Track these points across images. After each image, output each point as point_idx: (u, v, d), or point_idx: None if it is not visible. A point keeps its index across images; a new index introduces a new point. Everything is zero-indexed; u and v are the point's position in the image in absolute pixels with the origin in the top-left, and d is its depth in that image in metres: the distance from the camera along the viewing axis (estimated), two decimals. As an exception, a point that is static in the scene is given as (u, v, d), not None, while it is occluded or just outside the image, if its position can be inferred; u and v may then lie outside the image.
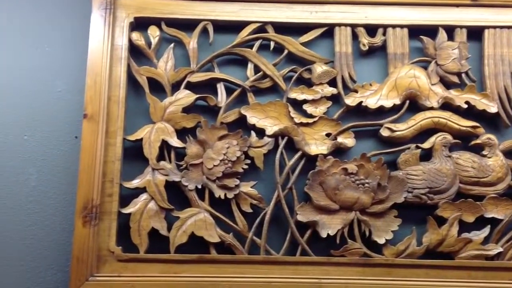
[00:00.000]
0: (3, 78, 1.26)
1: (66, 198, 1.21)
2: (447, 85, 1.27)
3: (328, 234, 1.18)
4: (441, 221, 1.20)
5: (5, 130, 1.24)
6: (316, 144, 1.23)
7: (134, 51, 1.25)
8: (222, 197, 1.19)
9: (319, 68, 1.25)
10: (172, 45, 1.25)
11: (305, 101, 1.25)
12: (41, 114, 1.25)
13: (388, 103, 1.24)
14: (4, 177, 1.22)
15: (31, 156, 1.23)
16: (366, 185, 1.19)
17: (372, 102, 1.24)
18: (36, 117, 1.25)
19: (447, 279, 1.17)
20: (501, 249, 1.19)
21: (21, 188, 1.21)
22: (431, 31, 1.29)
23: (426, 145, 1.23)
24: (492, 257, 1.19)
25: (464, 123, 1.24)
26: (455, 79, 1.26)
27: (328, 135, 1.24)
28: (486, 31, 1.29)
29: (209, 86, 1.26)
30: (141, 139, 1.20)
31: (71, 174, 1.22)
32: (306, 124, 1.24)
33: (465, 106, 1.24)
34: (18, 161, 1.23)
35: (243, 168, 1.20)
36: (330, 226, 1.19)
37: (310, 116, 1.24)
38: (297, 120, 1.23)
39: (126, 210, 1.17)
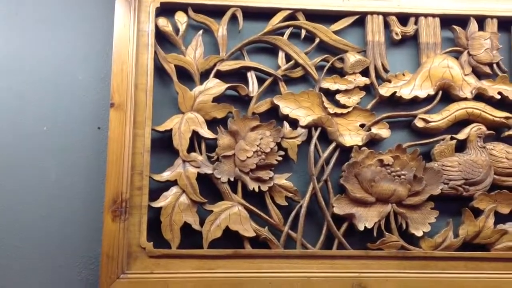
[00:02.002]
0: (23, 66, 1.21)
1: (89, 192, 1.17)
2: (479, 75, 1.27)
3: (365, 227, 1.16)
4: (476, 212, 1.21)
5: (25, 121, 1.18)
6: (350, 135, 1.21)
7: (160, 37, 1.22)
8: (256, 190, 1.16)
9: (352, 57, 1.24)
10: (200, 31, 1.22)
11: (337, 91, 1.23)
12: (61, 103, 1.20)
13: (422, 94, 1.24)
14: (23, 171, 1.16)
15: (51, 149, 1.18)
16: (402, 176, 1.19)
17: (406, 92, 1.24)
18: (57, 107, 1.20)
19: (485, 271, 1.17)
20: (537, 241, 1.19)
21: (41, 182, 1.16)
22: (462, 21, 1.29)
23: (461, 136, 1.23)
24: (528, 248, 1.20)
25: (498, 114, 1.25)
26: (487, 69, 1.27)
27: (362, 125, 1.22)
28: (516, 21, 1.30)
29: (238, 75, 1.23)
30: (170, 130, 1.17)
31: (95, 167, 1.18)
32: (340, 115, 1.22)
33: (498, 96, 1.25)
34: (37, 154, 1.17)
35: (276, 160, 1.18)
36: (366, 218, 1.17)
37: (343, 106, 1.23)
38: (331, 111, 1.22)
39: (156, 204, 1.13)
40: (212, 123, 1.19)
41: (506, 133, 1.25)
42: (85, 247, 1.15)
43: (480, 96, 1.26)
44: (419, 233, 1.18)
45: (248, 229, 1.14)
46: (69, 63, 1.23)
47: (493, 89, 1.26)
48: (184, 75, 1.21)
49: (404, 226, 1.18)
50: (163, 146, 1.18)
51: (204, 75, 1.21)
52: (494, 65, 1.28)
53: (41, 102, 1.20)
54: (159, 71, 1.21)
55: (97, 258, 1.13)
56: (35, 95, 1.20)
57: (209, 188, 1.17)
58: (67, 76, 1.22)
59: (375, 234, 1.17)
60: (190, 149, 1.17)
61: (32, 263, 1.13)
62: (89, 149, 1.19)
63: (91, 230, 1.15)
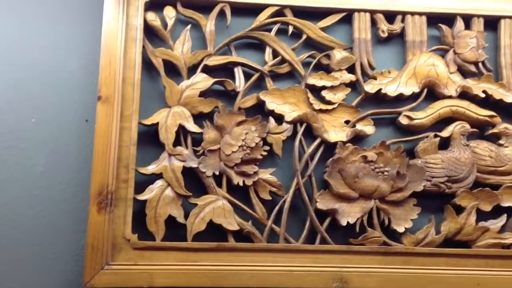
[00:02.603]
0: (12, 55, 1.22)
1: (76, 184, 1.19)
2: (464, 74, 1.29)
3: (347, 222, 1.19)
4: (459, 210, 1.23)
5: (13, 112, 1.20)
6: (335, 131, 1.23)
7: (149, 32, 1.23)
8: (241, 184, 1.18)
9: (338, 54, 1.26)
10: (189, 26, 1.24)
11: (323, 88, 1.25)
12: (50, 95, 1.22)
13: (407, 91, 1.26)
14: (11, 161, 1.18)
15: (39, 140, 1.20)
16: (386, 173, 1.21)
17: (391, 90, 1.26)
18: (45, 98, 1.22)
19: (466, 267, 1.19)
20: (517, 238, 1.22)
21: (28, 173, 1.18)
22: (448, 19, 1.31)
23: (445, 133, 1.25)
24: (509, 245, 1.22)
25: (482, 112, 1.27)
26: (472, 68, 1.29)
27: (347, 122, 1.24)
28: (502, 21, 1.32)
29: (225, 70, 1.25)
30: (157, 124, 1.19)
31: (82, 159, 1.20)
32: (325, 111, 1.24)
33: (483, 95, 1.27)
34: (25, 145, 1.19)
35: (261, 155, 1.20)
36: (349, 214, 1.20)
37: (329, 102, 1.25)
38: (316, 107, 1.23)
39: (141, 197, 1.15)
40: (199, 118, 1.21)
41: (490, 131, 1.27)
42: (71, 237, 1.17)
43: (464, 95, 1.28)
44: (401, 229, 1.20)
45: (232, 222, 1.16)
46: (58, 56, 1.24)
47: (477, 87, 1.28)
48: (172, 69, 1.23)
49: (386, 222, 1.21)
50: (149, 139, 1.20)
51: (192, 70, 1.23)
52: (480, 64, 1.30)
53: (29, 94, 1.22)
54: (147, 65, 1.23)
55: (83, 249, 1.15)
56: (23, 86, 1.22)
57: (194, 182, 1.19)
58: (55, 68, 1.23)
59: (357, 229, 1.19)
60: (176, 143, 1.19)
61: (19, 253, 1.15)
62: (76, 142, 1.21)
63: (77, 221, 1.17)
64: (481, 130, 1.27)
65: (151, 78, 1.23)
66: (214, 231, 1.17)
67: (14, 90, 1.22)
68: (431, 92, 1.28)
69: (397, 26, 1.29)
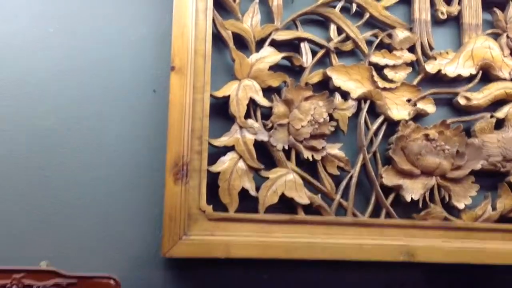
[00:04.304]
0: (78, 23, 1.22)
1: (148, 155, 1.19)
2: (515, 58, 1.37)
3: (411, 198, 1.24)
4: (512, 187, 1.31)
5: (81, 82, 1.20)
6: (397, 109, 1.29)
7: (216, 3, 1.24)
8: (310, 158, 1.22)
9: (400, 34, 1.31)
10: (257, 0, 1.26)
11: (385, 66, 1.30)
12: (117, 64, 1.22)
13: (465, 72, 1.33)
14: (78, 130, 1.18)
15: (107, 109, 1.20)
16: (446, 151, 1.27)
17: (450, 70, 1.32)
18: (113, 67, 1.22)
19: (520, 243, 1.27)
20: None
21: (97, 142, 1.18)
22: (500, 4, 1.38)
23: (500, 114, 1.33)
24: (558, 221, 1.31)
25: (533, 95, 1.35)
26: (523, 52, 1.37)
27: (408, 100, 1.30)
28: (550, 7, 1.40)
29: (289, 46, 1.28)
30: (227, 96, 1.21)
31: (152, 129, 1.20)
32: (388, 89, 1.29)
33: (534, 78, 1.35)
34: (94, 114, 1.19)
35: (329, 130, 1.24)
36: (412, 190, 1.25)
37: (391, 81, 1.30)
38: (380, 85, 1.28)
39: (215, 169, 1.17)
40: (266, 91, 1.24)
41: (541, 114, 1.35)
42: (143, 208, 1.18)
43: (516, 78, 1.35)
44: (461, 206, 1.27)
45: (302, 196, 1.20)
46: (125, 25, 1.24)
47: (529, 71, 1.36)
48: (238, 42, 1.25)
49: (447, 198, 1.27)
50: (217, 112, 1.21)
51: (259, 44, 1.25)
52: (529, 49, 1.38)
53: (97, 62, 1.21)
54: (214, 37, 1.24)
55: (157, 219, 1.17)
56: (91, 55, 1.21)
57: (262, 155, 1.21)
58: (123, 36, 1.23)
59: (420, 205, 1.25)
60: (245, 116, 1.21)
61: (89, 223, 1.15)
62: (145, 112, 1.21)
63: (148, 191, 1.18)
64: (532, 112, 1.35)
65: (218, 50, 1.25)
66: (283, 204, 1.20)
67: (81, 59, 1.21)
68: (485, 74, 1.35)
69: (454, 8, 1.36)
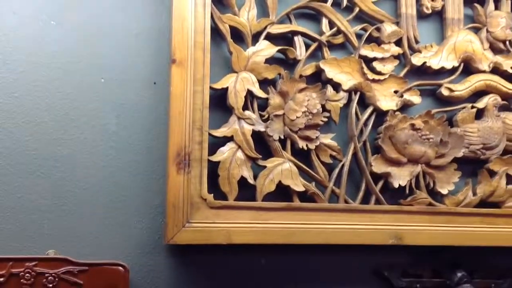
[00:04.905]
0: (79, 16, 1.24)
1: (147, 146, 1.23)
2: (494, 51, 1.45)
3: (399, 184, 1.32)
4: (491, 174, 1.40)
5: (82, 72, 1.23)
6: (385, 100, 1.36)
7: (214, -2, 1.29)
8: (305, 148, 1.28)
9: (388, 28, 1.38)
10: (254, -6, 1.31)
11: (374, 59, 1.37)
12: (118, 56, 1.25)
13: (448, 64, 1.41)
14: (81, 121, 1.21)
15: (108, 101, 1.23)
16: (431, 140, 1.35)
17: (435, 63, 1.40)
18: (113, 60, 1.25)
19: (498, 225, 1.36)
20: (540, 199, 1.41)
21: (99, 133, 1.21)
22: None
23: (481, 105, 1.41)
24: (533, 206, 1.41)
25: (510, 86, 1.44)
26: (502, 46, 1.45)
27: (395, 92, 1.37)
28: (527, 3, 1.49)
29: (283, 39, 1.34)
30: (226, 88, 1.26)
31: (152, 120, 1.25)
32: (377, 81, 1.36)
33: (511, 71, 1.44)
34: (96, 105, 1.22)
35: (322, 121, 1.30)
36: (400, 177, 1.33)
37: (379, 73, 1.37)
38: (369, 77, 1.35)
39: (215, 158, 1.23)
40: (262, 83, 1.29)
41: (517, 104, 1.45)
42: (144, 197, 1.22)
43: (495, 70, 1.44)
44: (444, 191, 1.36)
45: (298, 184, 1.26)
46: (126, 18, 1.27)
47: (506, 63, 1.45)
48: (235, 35, 1.29)
49: (431, 184, 1.35)
50: (215, 103, 1.26)
51: (254, 37, 1.30)
52: (507, 42, 1.46)
53: (98, 55, 1.24)
54: (212, 31, 1.28)
55: (157, 208, 1.21)
56: (92, 47, 1.24)
57: (259, 145, 1.27)
58: (123, 31, 1.26)
59: (407, 191, 1.33)
60: (243, 107, 1.27)
61: (94, 212, 1.19)
62: (145, 103, 1.25)
63: (149, 181, 1.23)
64: (509, 103, 1.44)
65: (216, 43, 1.29)
66: (279, 192, 1.26)
67: (83, 50, 1.23)
68: (466, 67, 1.43)
69: (438, 3, 1.43)
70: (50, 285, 1.07)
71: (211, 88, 1.25)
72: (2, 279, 1.05)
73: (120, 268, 1.11)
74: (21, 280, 1.06)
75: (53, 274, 1.07)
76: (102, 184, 1.21)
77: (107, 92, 1.24)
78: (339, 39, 1.36)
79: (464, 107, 1.41)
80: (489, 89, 1.43)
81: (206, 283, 1.24)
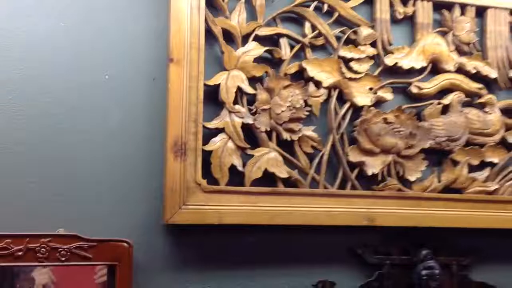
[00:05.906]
0: (83, 15, 1.37)
1: (147, 135, 1.37)
2: (459, 52, 1.62)
3: (372, 172, 1.49)
4: (454, 163, 1.57)
5: (87, 69, 1.36)
6: (361, 96, 1.51)
7: (208, 2, 1.42)
8: (289, 139, 1.43)
9: (365, 31, 1.53)
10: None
11: (351, 59, 1.52)
12: (119, 54, 1.38)
13: (417, 65, 1.57)
14: (88, 113, 1.34)
15: (111, 96, 1.37)
16: (401, 132, 1.52)
17: (405, 63, 1.56)
18: (115, 58, 1.38)
19: (458, 209, 1.53)
20: (497, 186, 1.58)
21: (105, 124, 1.35)
22: (448, 6, 1.62)
23: (446, 101, 1.58)
24: (491, 192, 1.58)
25: (473, 85, 1.61)
26: (466, 48, 1.62)
27: (370, 89, 1.53)
28: (489, 10, 1.65)
29: (269, 40, 1.48)
30: (218, 85, 1.40)
31: (151, 114, 1.38)
32: (354, 79, 1.52)
33: (474, 71, 1.61)
34: (101, 99, 1.36)
35: (304, 114, 1.45)
36: (373, 166, 1.49)
37: (356, 72, 1.52)
38: (347, 75, 1.51)
39: (208, 148, 1.37)
40: (251, 81, 1.43)
41: (478, 101, 1.61)
42: (145, 182, 1.36)
43: (460, 70, 1.61)
44: (412, 178, 1.52)
45: (282, 171, 1.42)
46: (128, 21, 1.40)
47: (470, 64, 1.61)
48: (226, 37, 1.44)
49: (401, 172, 1.52)
50: (208, 98, 1.40)
51: (244, 39, 1.45)
52: (471, 45, 1.63)
53: (103, 54, 1.38)
54: (206, 33, 1.41)
55: (154, 192, 1.36)
56: (98, 47, 1.38)
57: (247, 136, 1.42)
58: (127, 33, 1.40)
59: (379, 178, 1.49)
60: (233, 102, 1.41)
61: (98, 195, 1.33)
62: (145, 98, 1.39)
63: (149, 167, 1.37)
64: (472, 99, 1.61)
65: (209, 44, 1.43)
66: (265, 178, 1.41)
67: (87, 48, 1.37)
68: (434, 67, 1.59)
69: (410, 10, 1.59)
70: (63, 259, 1.21)
71: (205, 84, 1.39)
72: (20, 253, 1.18)
73: (125, 244, 1.25)
74: (37, 254, 1.19)
75: (65, 249, 1.21)
76: (107, 171, 1.35)
77: (112, 87, 1.37)
78: (320, 41, 1.51)
79: (431, 103, 1.57)
80: (454, 87, 1.59)
81: (200, 259, 1.38)
